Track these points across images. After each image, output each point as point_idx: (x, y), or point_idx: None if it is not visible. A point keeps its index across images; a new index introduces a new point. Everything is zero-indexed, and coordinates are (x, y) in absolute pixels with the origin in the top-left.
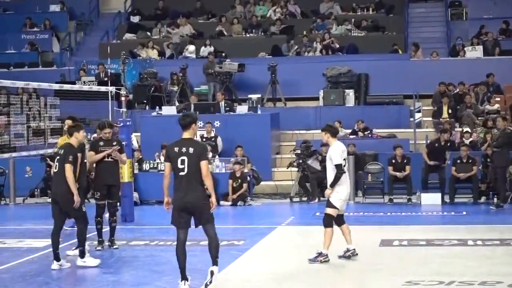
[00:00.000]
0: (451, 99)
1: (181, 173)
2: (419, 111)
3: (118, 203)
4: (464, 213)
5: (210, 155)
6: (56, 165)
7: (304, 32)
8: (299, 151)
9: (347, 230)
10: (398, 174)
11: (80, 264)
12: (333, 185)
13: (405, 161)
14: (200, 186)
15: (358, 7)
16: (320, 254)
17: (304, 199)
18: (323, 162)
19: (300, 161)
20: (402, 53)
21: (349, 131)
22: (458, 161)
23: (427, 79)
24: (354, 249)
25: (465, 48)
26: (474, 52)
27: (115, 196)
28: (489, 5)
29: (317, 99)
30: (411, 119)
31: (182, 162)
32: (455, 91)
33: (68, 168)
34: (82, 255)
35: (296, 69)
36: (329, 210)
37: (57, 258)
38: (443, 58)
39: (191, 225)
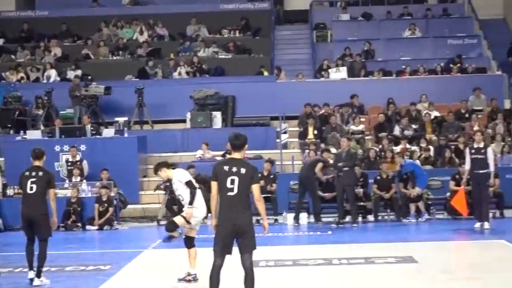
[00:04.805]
0: (316, 120)
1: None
2: (285, 132)
3: None
4: (330, 232)
5: (78, 178)
6: None
7: (171, 55)
8: None
9: (194, 254)
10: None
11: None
12: (191, 202)
13: (271, 176)
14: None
15: (225, 30)
16: (188, 274)
17: None
18: None
19: (167, 183)
20: (268, 75)
21: (220, 152)
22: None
23: (293, 100)
24: (195, 274)
25: (329, 70)
26: (339, 74)
27: None
28: (353, 28)
29: (184, 121)
30: (278, 140)
31: None
32: (321, 112)
33: None
34: None
35: (163, 92)
36: (178, 219)
37: None
38: (309, 79)
39: None
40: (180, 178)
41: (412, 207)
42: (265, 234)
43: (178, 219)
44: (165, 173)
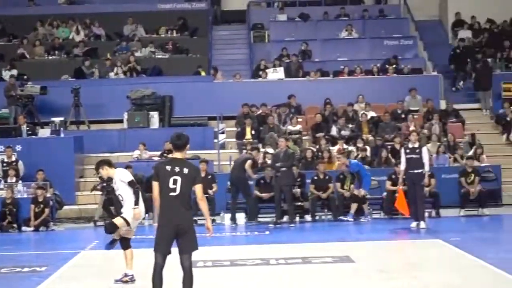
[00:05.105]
0: (254, 120)
1: None
2: (223, 133)
3: None
4: (267, 232)
5: None
6: None
7: (108, 55)
8: None
9: (131, 255)
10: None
11: None
12: (137, 202)
13: (209, 177)
14: None
15: (162, 29)
16: (125, 275)
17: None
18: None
19: (104, 184)
20: (205, 75)
21: (157, 153)
22: (262, 181)
23: (230, 101)
24: (132, 275)
25: (267, 70)
26: (276, 74)
27: None
28: (290, 28)
29: (121, 121)
30: (215, 140)
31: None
32: (258, 113)
33: None
34: None
35: (100, 92)
36: (117, 221)
37: None
38: (246, 79)
39: None
40: (121, 177)
41: (354, 206)
42: (209, 236)
43: (117, 220)
44: (106, 171)
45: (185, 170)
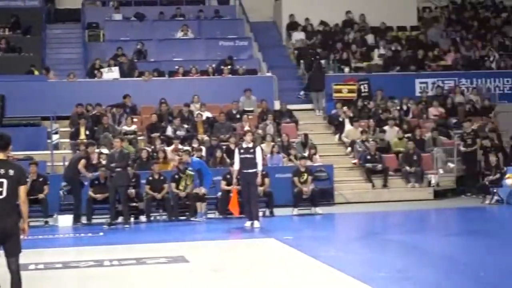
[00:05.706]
0: (88, 120)
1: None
2: (56, 133)
3: None
4: (101, 233)
5: None
6: None
7: None
8: None
9: None
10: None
11: None
12: None
13: (40, 179)
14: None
15: None
16: None
17: None
18: None
19: None
20: (39, 74)
21: None
22: (96, 181)
23: (64, 100)
24: None
25: (102, 70)
26: (111, 74)
27: None
28: (125, 28)
29: None
30: (49, 140)
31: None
32: (93, 113)
33: None
34: None
35: None
36: None
37: None
38: (81, 79)
39: None
40: None
41: (199, 205)
42: (24, 237)
43: None
44: None
45: (11, 172)
